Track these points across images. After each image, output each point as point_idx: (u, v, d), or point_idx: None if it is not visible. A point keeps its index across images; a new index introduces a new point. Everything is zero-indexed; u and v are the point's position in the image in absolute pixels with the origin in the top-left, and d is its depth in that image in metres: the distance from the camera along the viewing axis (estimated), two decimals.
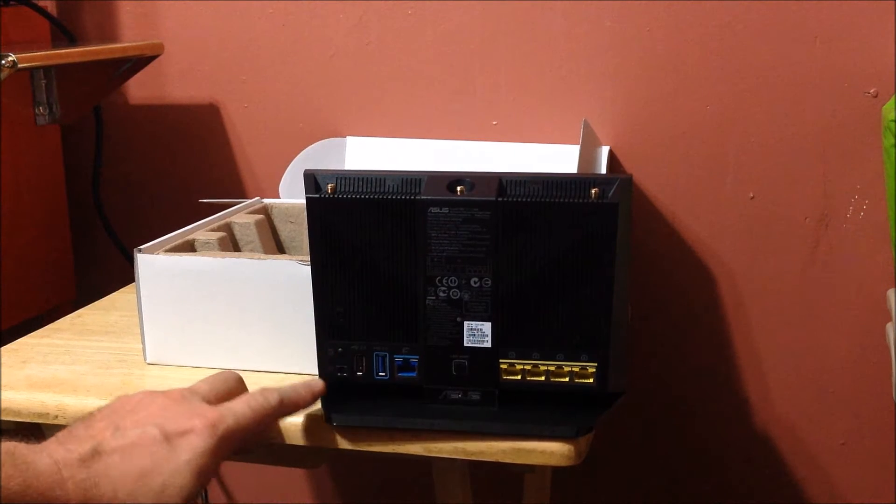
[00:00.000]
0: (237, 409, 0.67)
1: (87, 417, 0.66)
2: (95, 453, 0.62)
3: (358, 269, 0.72)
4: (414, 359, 0.74)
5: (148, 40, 1.20)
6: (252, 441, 0.70)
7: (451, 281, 0.72)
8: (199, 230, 0.92)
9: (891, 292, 0.99)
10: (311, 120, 1.21)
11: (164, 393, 0.68)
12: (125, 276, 1.01)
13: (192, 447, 0.63)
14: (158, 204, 1.29)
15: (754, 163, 1.10)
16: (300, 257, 0.82)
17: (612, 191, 0.69)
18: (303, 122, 1.22)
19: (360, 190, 0.71)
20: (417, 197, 0.71)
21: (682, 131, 1.11)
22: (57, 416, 0.78)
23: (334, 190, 0.72)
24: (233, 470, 1.37)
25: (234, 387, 0.72)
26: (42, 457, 0.60)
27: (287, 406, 0.71)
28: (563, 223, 0.70)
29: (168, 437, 0.63)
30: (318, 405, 0.75)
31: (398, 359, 0.74)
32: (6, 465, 0.57)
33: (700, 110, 1.10)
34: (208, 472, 0.64)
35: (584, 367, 0.72)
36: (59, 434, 0.64)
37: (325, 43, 1.19)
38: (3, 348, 0.90)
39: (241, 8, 1.21)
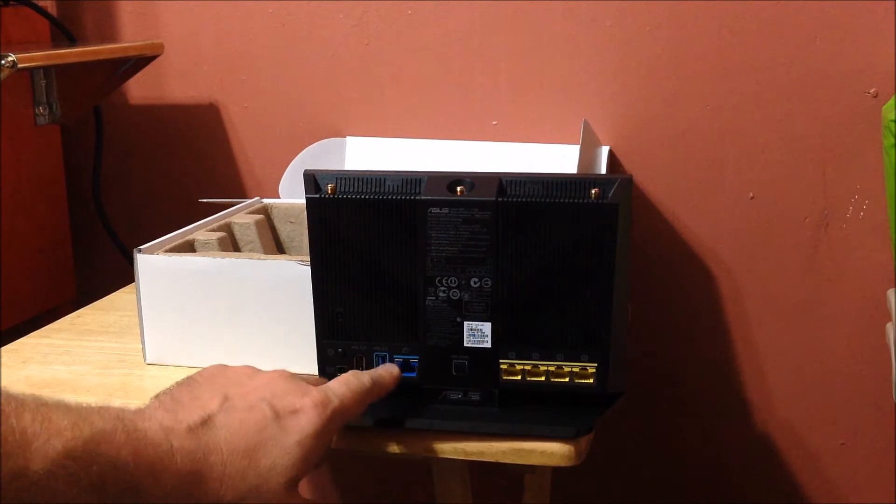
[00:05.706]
0: (338, 389, 0.66)
1: (186, 382, 0.64)
2: (204, 424, 0.59)
3: (358, 269, 0.72)
4: (414, 359, 0.73)
5: (148, 40, 1.20)
6: (350, 419, 0.67)
7: (451, 281, 0.72)
8: (199, 230, 0.92)
9: (891, 292, 0.99)
10: (311, 120, 1.21)
11: (267, 371, 0.66)
12: (125, 276, 1.01)
13: (302, 428, 0.62)
14: (158, 204, 1.29)
15: (754, 163, 1.10)
16: (300, 257, 0.82)
17: (612, 191, 0.69)
18: (303, 122, 1.22)
19: (360, 190, 0.71)
20: (417, 197, 0.71)
21: (682, 131, 1.11)
22: None
23: (334, 190, 0.72)
24: None
25: (316, 380, 0.70)
26: (152, 424, 0.57)
27: (378, 388, 0.70)
28: (563, 223, 0.70)
29: (278, 415, 0.62)
30: None
31: (398, 359, 0.74)
32: (118, 432, 0.55)
33: (700, 110, 1.10)
34: (316, 454, 0.63)
35: (584, 368, 0.72)
36: (161, 398, 0.62)
37: (325, 43, 1.19)
38: (3, 348, 0.90)
39: (241, 8, 1.21)
